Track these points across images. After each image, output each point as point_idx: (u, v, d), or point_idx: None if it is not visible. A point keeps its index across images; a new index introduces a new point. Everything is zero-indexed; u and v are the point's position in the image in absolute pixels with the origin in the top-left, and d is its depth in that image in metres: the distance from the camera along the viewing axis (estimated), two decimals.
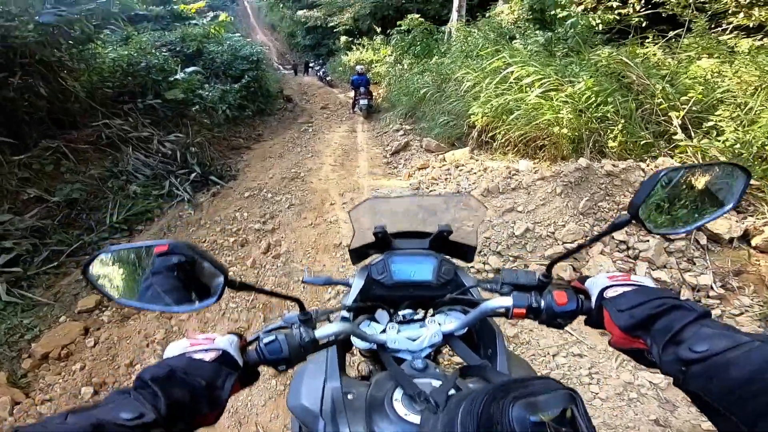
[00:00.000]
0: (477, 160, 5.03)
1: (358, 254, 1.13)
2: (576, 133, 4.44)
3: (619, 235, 3.17)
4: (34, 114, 5.30)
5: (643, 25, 7.25)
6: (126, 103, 6.42)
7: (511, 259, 3.26)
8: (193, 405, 0.55)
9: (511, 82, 5.19)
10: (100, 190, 5.09)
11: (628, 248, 3.11)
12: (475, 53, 7.06)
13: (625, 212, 0.66)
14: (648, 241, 3.06)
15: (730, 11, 5.69)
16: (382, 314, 0.98)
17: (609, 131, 4.39)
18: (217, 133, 7.55)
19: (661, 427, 2.05)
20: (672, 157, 4.09)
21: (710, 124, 4.01)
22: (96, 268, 0.65)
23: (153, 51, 7.59)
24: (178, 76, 7.39)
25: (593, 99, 4.47)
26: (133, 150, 5.86)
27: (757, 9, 5.70)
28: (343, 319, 0.92)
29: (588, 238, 0.92)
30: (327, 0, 18.31)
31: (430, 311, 1.02)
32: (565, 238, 3.24)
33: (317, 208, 4.81)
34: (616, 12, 7.39)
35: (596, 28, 6.34)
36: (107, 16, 6.37)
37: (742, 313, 2.69)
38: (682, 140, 4.06)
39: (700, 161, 3.76)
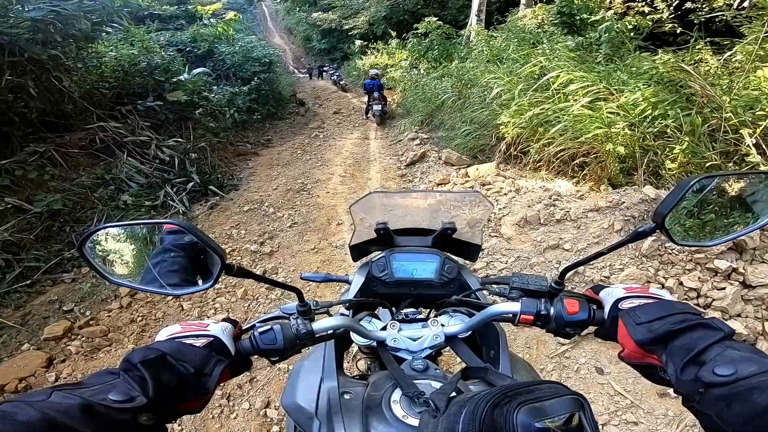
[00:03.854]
0: (506, 178, 4.41)
1: (358, 251, 1.09)
2: (628, 151, 3.81)
3: (690, 281, 2.63)
4: (26, 115, 4.89)
5: (677, 31, 6.73)
6: (125, 105, 5.99)
7: None
8: (180, 391, 0.54)
9: (552, 90, 4.57)
10: (87, 200, 4.64)
11: (699, 296, 2.59)
12: (503, 57, 6.49)
13: (650, 221, 0.63)
14: (724, 288, 2.56)
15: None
16: (384, 312, 0.96)
17: (668, 150, 3.75)
18: (222, 138, 7.07)
19: None
20: None
21: None
22: (92, 246, 0.64)
23: (159, 50, 7.15)
24: (182, 77, 6.96)
25: (649, 111, 3.83)
26: (127, 155, 5.39)
27: None
28: (342, 314, 0.88)
29: (608, 246, 0.67)
30: (342, 3, 18.09)
31: (433, 311, 0.98)
32: (625, 282, 2.67)
33: (322, 229, 4.26)
34: (648, 17, 6.89)
35: (630, 33, 5.74)
36: (108, 14, 5.95)
37: None
38: (756, 163, 3.40)
39: None
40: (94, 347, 2.79)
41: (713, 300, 2.53)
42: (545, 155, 4.30)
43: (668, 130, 3.81)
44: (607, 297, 0.68)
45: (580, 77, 4.35)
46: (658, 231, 0.63)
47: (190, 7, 16.89)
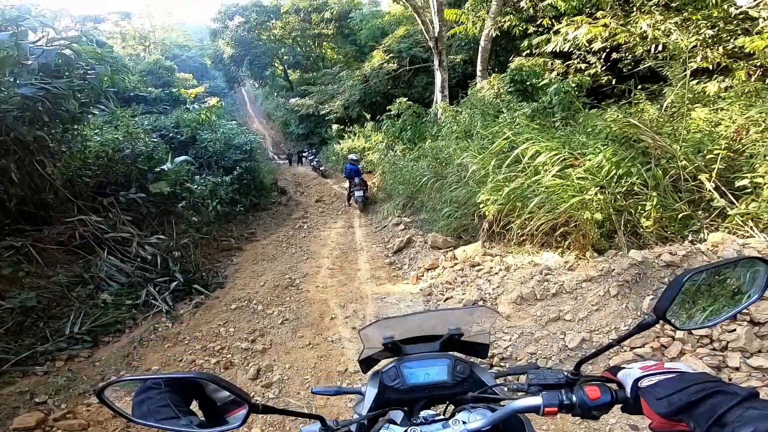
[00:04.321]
0: (493, 257, 4.45)
1: (367, 363, 1.12)
2: (604, 215, 3.91)
3: (699, 330, 2.65)
4: (5, 203, 4.72)
5: (613, 82, 7.35)
6: (107, 196, 5.86)
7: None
8: None
9: (523, 164, 4.71)
10: (64, 298, 4.43)
11: (711, 341, 2.64)
12: (472, 132, 6.81)
13: (651, 314, 0.71)
14: (735, 330, 2.59)
15: (686, 56, 5.61)
16: (396, 414, 0.95)
17: (640, 207, 3.88)
18: (205, 234, 6.90)
19: None
20: (717, 228, 3.54)
21: (745, 182, 3.49)
22: (111, 392, 0.68)
23: (143, 136, 7.11)
24: (165, 167, 6.87)
25: (614, 171, 4.00)
26: (108, 254, 5.24)
27: (710, 50, 5.62)
28: (361, 427, 0.90)
29: (615, 338, 0.91)
30: (318, 89, 18.99)
31: (451, 407, 1.00)
32: (634, 344, 2.70)
33: (315, 324, 4.13)
34: (585, 73, 7.51)
35: (575, 92, 6.21)
36: (96, 94, 5.91)
37: None
38: (722, 206, 3.56)
39: (754, 230, 3.29)
40: None
41: (728, 342, 2.55)
42: (528, 230, 4.34)
43: (635, 188, 3.95)
44: (626, 378, 0.71)
45: (545, 147, 4.51)
46: (660, 322, 0.69)
47: (174, 90, 17.59)
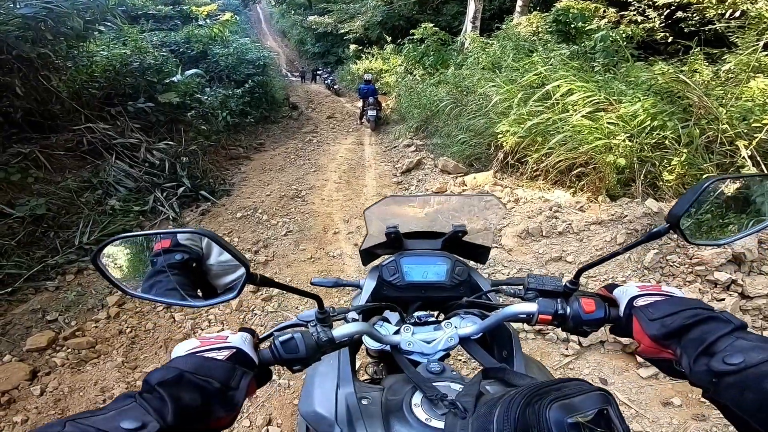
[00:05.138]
0: (504, 188, 4.36)
1: (368, 255, 1.10)
2: (627, 162, 3.80)
3: (691, 293, 2.64)
4: (11, 114, 4.73)
5: (669, 40, 6.82)
6: (114, 106, 5.84)
7: None
8: (206, 408, 0.51)
9: (553, 100, 4.53)
10: (73, 204, 4.47)
11: None
12: (501, 65, 6.47)
13: (663, 222, 0.64)
14: (724, 299, 2.60)
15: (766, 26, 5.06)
16: (391, 315, 0.95)
17: (665, 161, 3.75)
18: (214, 142, 6.93)
19: None
20: None
21: None
22: (107, 257, 0.64)
23: (151, 51, 7.02)
24: (175, 79, 6.83)
25: (648, 123, 3.83)
26: (116, 158, 5.24)
27: None
28: (354, 319, 0.86)
29: (622, 246, 0.81)
30: (338, 7, 18.07)
31: (442, 316, 0.99)
32: (637, 283, 2.67)
33: (318, 238, 4.16)
34: (641, 26, 6.99)
35: (624, 42, 5.80)
36: (102, 12, 5.79)
37: None
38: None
39: None
40: (81, 359, 2.68)
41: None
42: (544, 165, 4.26)
43: (666, 142, 3.82)
44: (622, 296, 0.69)
45: (580, 87, 4.33)
46: (671, 231, 0.64)
47: (185, 7, 16.80)
